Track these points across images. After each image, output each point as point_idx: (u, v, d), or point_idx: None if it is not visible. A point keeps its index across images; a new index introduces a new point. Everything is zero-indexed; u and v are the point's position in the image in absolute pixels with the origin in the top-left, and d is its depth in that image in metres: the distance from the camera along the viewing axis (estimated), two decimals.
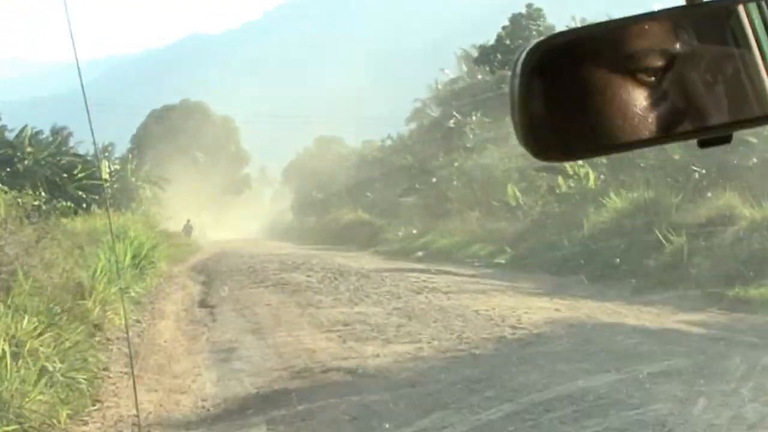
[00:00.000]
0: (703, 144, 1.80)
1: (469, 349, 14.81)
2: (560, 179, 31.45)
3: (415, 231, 45.39)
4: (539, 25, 52.48)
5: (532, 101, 1.77)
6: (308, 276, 28.61)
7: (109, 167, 61.93)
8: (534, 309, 18.60)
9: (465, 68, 63.38)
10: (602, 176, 30.14)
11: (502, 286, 23.24)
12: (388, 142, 76.16)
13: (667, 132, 1.79)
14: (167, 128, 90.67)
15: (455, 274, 27.03)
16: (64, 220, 30.78)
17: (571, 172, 30.46)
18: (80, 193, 50.18)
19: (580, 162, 24.75)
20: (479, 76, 56.73)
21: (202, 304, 23.93)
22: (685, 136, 1.79)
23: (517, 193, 37.16)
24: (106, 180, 58.48)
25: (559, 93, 1.78)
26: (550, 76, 1.81)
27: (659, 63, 1.80)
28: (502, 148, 42.73)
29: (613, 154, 1.92)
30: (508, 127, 31.92)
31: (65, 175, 51.38)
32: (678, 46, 1.83)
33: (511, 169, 39.74)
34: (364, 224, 62.71)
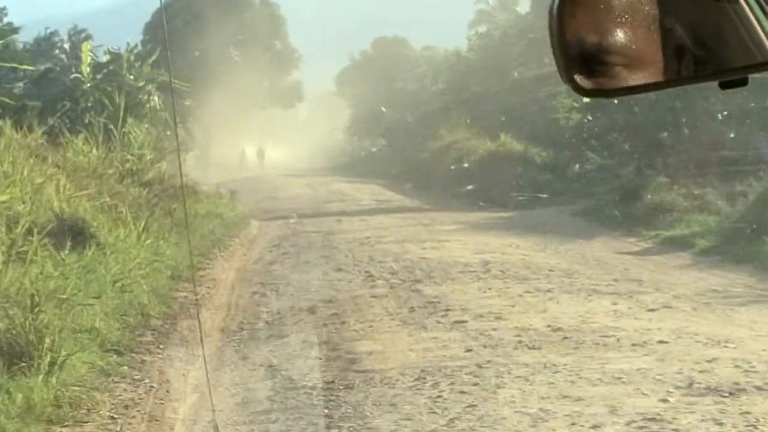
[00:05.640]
0: (723, 86, 1.60)
1: None
2: None
3: None
4: None
5: (572, 41, 1.50)
6: None
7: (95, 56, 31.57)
8: None
9: None
10: None
11: None
12: (476, 42, 51.17)
13: (694, 73, 1.57)
14: (191, 17, 53.93)
15: None
16: None
17: None
18: None
19: None
20: None
21: None
22: (708, 77, 1.58)
23: None
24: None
25: (598, 33, 1.51)
26: (587, 16, 1.55)
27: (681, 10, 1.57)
28: None
29: (647, 92, 1.61)
30: None
31: None
32: None
33: None
34: (533, 167, 31.42)
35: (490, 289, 11.74)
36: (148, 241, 14.05)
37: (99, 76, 31.46)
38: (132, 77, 32.93)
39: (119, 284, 10.42)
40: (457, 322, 9.75)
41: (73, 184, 15.77)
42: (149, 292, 11.16)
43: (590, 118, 30.03)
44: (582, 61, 1.46)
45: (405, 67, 61.47)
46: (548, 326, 9.27)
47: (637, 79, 1.47)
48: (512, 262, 14.23)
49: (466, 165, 34.77)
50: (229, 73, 52.36)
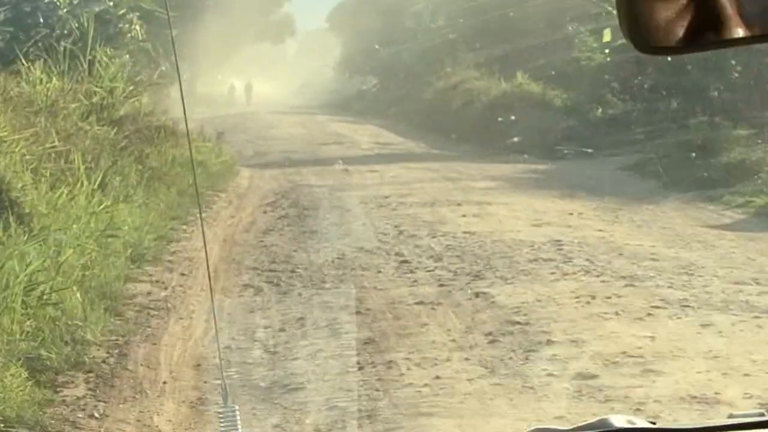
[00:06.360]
0: None
1: None
2: None
3: None
4: None
5: None
6: None
7: None
8: None
9: None
10: None
11: None
12: None
13: (755, 32, 1.36)
14: None
15: None
16: None
17: None
18: None
19: None
20: None
21: None
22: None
23: None
24: None
25: None
26: None
27: None
28: None
29: (710, 50, 1.42)
30: None
31: None
32: None
33: None
34: (554, 111, 26.46)
35: (592, 297, 7.81)
36: (102, 205, 10.05)
37: (76, 2, 27.85)
38: (112, 4, 29.18)
39: (38, 292, 6.47)
40: (580, 375, 5.84)
41: (12, 122, 11.71)
42: (92, 292, 7.21)
43: (611, 59, 26.21)
44: (647, 16, 1.29)
45: (402, 2, 59.09)
46: (748, 395, 5.39)
47: (700, 36, 1.29)
48: (591, 243, 10.28)
49: (477, 107, 30.79)
50: (218, 3, 48.33)
